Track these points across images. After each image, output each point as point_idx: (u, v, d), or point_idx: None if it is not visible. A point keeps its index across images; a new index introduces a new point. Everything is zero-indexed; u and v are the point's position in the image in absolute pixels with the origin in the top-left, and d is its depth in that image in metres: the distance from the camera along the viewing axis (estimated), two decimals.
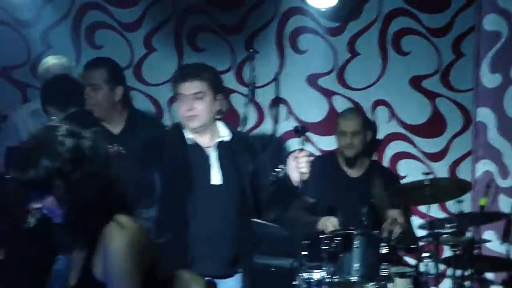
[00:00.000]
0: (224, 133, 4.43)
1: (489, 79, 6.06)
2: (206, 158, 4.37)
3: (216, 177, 4.35)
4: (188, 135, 4.39)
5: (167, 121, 5.89)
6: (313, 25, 6.25)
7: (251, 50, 5.78)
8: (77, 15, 6.20)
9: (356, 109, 6.09)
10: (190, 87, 4.35)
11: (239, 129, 5.04)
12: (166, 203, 4.34)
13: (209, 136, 4.40)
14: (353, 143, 5.75)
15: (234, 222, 4.33)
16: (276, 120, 6.21)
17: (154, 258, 2.67)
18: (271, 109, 6.23)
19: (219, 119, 4.48)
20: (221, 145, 4.40)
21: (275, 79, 6.19)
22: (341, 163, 5.85)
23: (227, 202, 4.33)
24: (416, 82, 6.22)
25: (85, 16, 6.20)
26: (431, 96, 6.21)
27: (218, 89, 4.41)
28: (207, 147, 4.39)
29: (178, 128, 4.44)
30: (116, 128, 5.11)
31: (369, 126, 6.00)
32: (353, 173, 5.85)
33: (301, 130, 4.30)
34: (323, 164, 5.78)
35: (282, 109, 6.24)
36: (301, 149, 4.24)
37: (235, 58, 6.21)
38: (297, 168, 4.18)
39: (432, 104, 6.21)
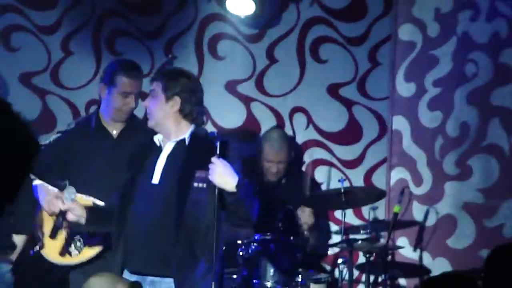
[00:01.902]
0: (184, 134, 4.43)
1: (404, 88, 6.16)
2: (158, 158, 4.41)
3: (156, 177, 4.37)
4: (157, 135, 4.46)
5: None
6: (232, 32, 6.27)
7: (169, 55, 5.77)
8: None
9: (281, 132, 5.98)
10: (151, 85, 4.46)
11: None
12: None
13: (173, 137, 4.41)
14: (278, 171, 5.76)
15: (165, 223, 4.28)
16: None
17: None
18: None
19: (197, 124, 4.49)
20: (178, 146, 4.40)
21: None
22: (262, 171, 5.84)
23: (160, 202, 4.31)
24: (333, 90, 6.28)
25: (0, 19, 6.10)
26: (348, 104, 6.29)
27: (173, 92, 4.37)
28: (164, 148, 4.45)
29: None
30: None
31: (293, 147, 5.96)
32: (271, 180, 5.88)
33: (215, 136, 4.35)
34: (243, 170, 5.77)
35: None
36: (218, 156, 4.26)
37: (154, 63, 6.19)
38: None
39: (348, 111, 6.29)
